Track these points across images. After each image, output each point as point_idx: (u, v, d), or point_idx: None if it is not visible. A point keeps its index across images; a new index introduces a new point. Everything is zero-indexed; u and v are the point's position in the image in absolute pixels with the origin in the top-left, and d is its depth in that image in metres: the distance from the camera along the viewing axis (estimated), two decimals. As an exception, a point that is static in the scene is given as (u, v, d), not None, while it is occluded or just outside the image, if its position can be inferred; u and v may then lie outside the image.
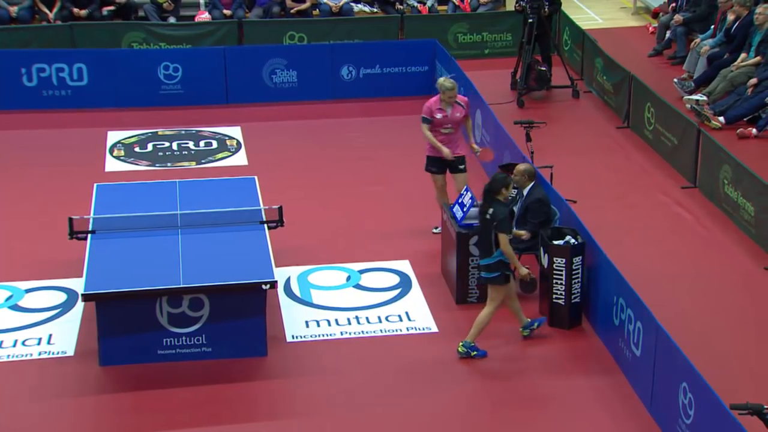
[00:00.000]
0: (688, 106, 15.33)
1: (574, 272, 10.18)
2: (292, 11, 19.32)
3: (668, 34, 18.59)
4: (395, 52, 16.99)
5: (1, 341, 10.12)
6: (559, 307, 10.30)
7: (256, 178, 11.76)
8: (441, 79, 11.94)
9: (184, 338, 9.70)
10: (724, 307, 10.80)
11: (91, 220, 10.57)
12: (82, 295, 9.42)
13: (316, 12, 19.51)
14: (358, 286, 11.20)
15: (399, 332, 10.36)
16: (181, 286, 9.47)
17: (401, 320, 10.55)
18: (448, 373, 9.69)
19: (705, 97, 15.48)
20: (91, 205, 11.01)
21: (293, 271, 11.41)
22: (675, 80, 16.56)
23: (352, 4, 19.71)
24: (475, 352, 9.80)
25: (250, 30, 18.42)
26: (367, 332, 10.34)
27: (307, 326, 10.43)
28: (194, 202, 10.96)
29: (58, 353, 9.94)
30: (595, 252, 10.14)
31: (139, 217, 10.55)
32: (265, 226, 10.63)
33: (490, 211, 9.67)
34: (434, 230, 12.02)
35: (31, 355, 9.93)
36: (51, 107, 16.30)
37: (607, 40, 17.90)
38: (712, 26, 17.19)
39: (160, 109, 16.34)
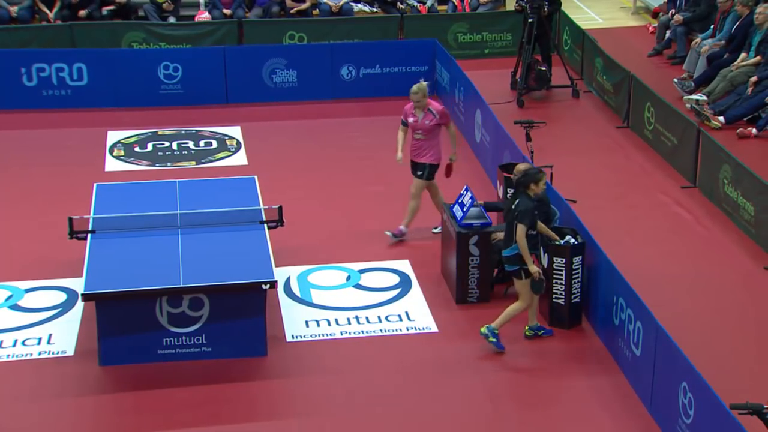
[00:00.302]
0: (688, 105, 15.34)
1: (574, 272, 10.18)
2: (292, 11, 19.33)
3: (668, 33, 18.60)
4: (395, 52, 16.99)
5: (1, 341, 10.12)
6: (559, 307, 10.30)
7: (255, 177, 11.76)
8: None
9: (184, 338, 9.70)
10: (724, 307, 10.80)
11: (90, 220, 10.57)
12: (82, 294, 9.42)
13: (316, 12, 19.52)
14: (358, 286, 11.20)
15: (399, 332, 10.36)
16: (181, 285, 9.47)
17: (401, 320, 10.56)
18: (448, 373, 9.69)
19: (705, 97, 15.49)
20: (91, 204, 11.01)
21: (293, 271, 11.41)
22: (675, 80, 16.57)
23: (352, 3, 19.71)
24: (493, 339, 9.81)
25: (250, 30, 18.42)
26: (367, 332, 10.34)
27: (307, 326, 10.43)
28: (194, 202, 10.96)
29: (57, 353, 9.94)
30: (595, 252, 10.14)
31: (139, 216, 10.55)
32: (265, 225, 10.63)
33: (516, 202, 9.75)
34: (434, 230, 12.02)
35: (31, 354, 9.93)
36: (51, 107, 16.31)
37: (607, 40, 17.91)
38: (712, 26, 17.19)
39: (159, 108, 16.34)
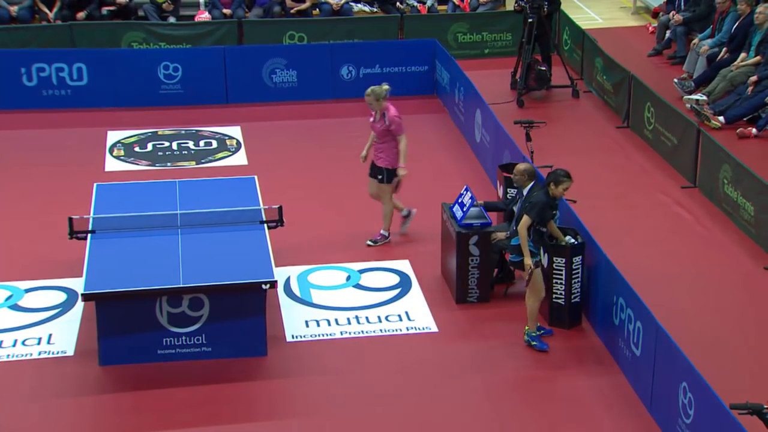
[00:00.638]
0: (688, 105, 15.34)
1: (574, 272, 10.18)
2: (292, 11, 19.33)
3: (668, 33, 18.60)
4: (395, 52, 16.99)
5: (1, 341, 10.11)
6: (559, 307, 10.29)
7: (255, 177, 11.76)
8: None
9: (183, 338, 9.69)
10: (724, 307, 10.80)
11: (90, 220, 10.57)
12: (82, 294, 9.42)
13: (316, 12, 19.52)
14: (358, 286, 11.20)
15: (399, 332, 10.36)
16: (181, 285, 9.47)
17: (401, 320, 10.55)
18: (448, 373, 9.69)
19: (705, 97, 15.49)
20: (91, 204, 11.01)
21: (293, 271, 11.41)
22: (675, 80, 16.57)
23: (352, 3, 19.71)
24: (535, 342, 9.87)
25: (250, 30, 18.42)
26: (367, 332, 10.34)
27: (307, 326, 10.43)
28: (194, 202, 10.95)
29: (57, 353, 9.94)
30: (595, 252, 10.14)
31: (139, 216, 10.55)
32: (265, 225, 10.63)
33: (534, 194, 9.86)
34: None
35: (31, 354, 9.93)
36: (51, 107, 16.30)
37: (607, 40, 17.91)
38: (711, 26, 17.19)
39: (159, 108, 16.34)
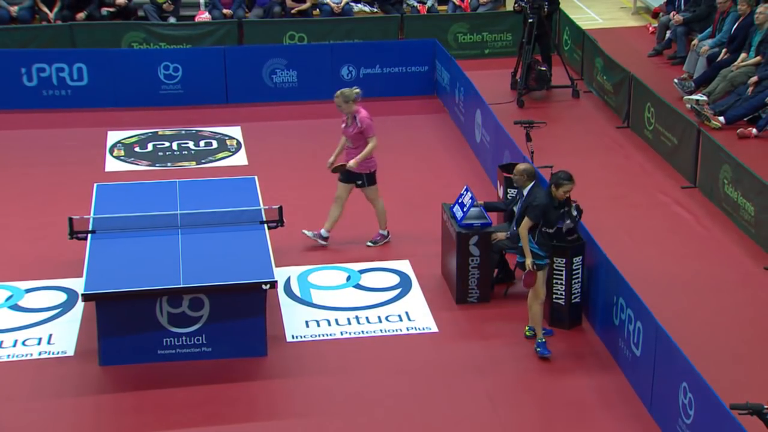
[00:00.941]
0: (688, 106, 15.34)
1: (574, 272, 10.18)
2: (292, 11, 19.33)
3: (668, 34, 18.60)
4: (395, 52, 16.99)
5: (1, 341, 10.11)
6: (559, 307, 10.29)
7: (256, 177, 11.76)
8: None
9: (184, 338, 9.69)
10: (724, 306, 10.79)
11: (91, 220, 10.57)
12: (82, 295, 9.42)
13: (316, 12, 19.52)
14: (358, 286, 11.20)
15: (399, 332, 10.36)
16: (181, 286, 9.47)
17: (401, 320, 10.55)
18: (448, 373, 9.69)
19: (705, 97, 15.49)
20: (91, 204, 11.01)
21: (293, 271, 11.41)
22: (675, 80, 16.56)
23: (352, 3, 19.71)
24: (539, 349, 9.84)
25: (250, 30, 18.42)
26: (367, 332, 10.34)
27: (307, 326, 10.43)
28: (194, 202, 10.96)
29: (58, 353, 9.94)
30: (595, 252, 10.14)
31: (139, 217, 10.55)
32: (265, 225, 10.63)
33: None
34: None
35: (31, 354, 9.92)
36: (51, 107, 16.30)
37: (607, 40, 17.91)
38: (711, 26, 17.19)
39: (160, 109, 16.33)
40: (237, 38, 18.35)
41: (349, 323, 10.49)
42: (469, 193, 10.83)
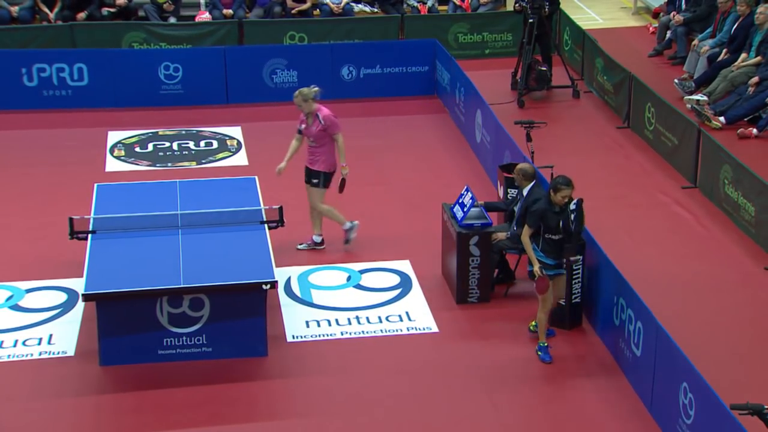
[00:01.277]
0: (689, 106, 15.34)
1: (574, 272, 10.17)
2: (292, 11, 19.33)
3: (668, 34, 18.59)
4: (395, 52, 16.99)
5: (2, 341, 10.12)
6: (560, 307, 10.29)
7: (256, 178, 11.77)
8: None
9: (184, 338, 9.70)
10: (725, 307, 10.80)
11: (91, 220, 10.58)
12: (83, 295, 9.43)
13: (316, 12, 19.52)
14: (359, 286, 11.20)
15: (399, 332, 10.37)
16: (182, 286, 9.47)
17: (402, 320, 10.55)
18: (449, 373, 9.69)
19: (705, 97, 15.49)
20: (92, 205, 11.01)
21: (293, 271, 11.41)
22: (675, 80, 16.56)
23: (353, 3, 19.71)
24: (540, 353, 9.79)
25: (251, 30, 18.42)
26: (367, 332, 10.34)
27: (308, 326, 10.43)
28: (195, 202, 10.96)
29: (58, 353, 9.95)
30: (595, 252, 10.14)
31: (140, 217, 10.56)
32: (266, 226, 10.64)
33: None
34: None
35: (32, 355, 9.93)
36: (51, 107, 16.31)
37: (608, 40, 17.91)
38: (712, 27, 17.19)
39: (160, 109, 16.34)
40: (237, 38, 18.36)
41: (350, 323, 10.49)
42: (469, 193, 10.83)
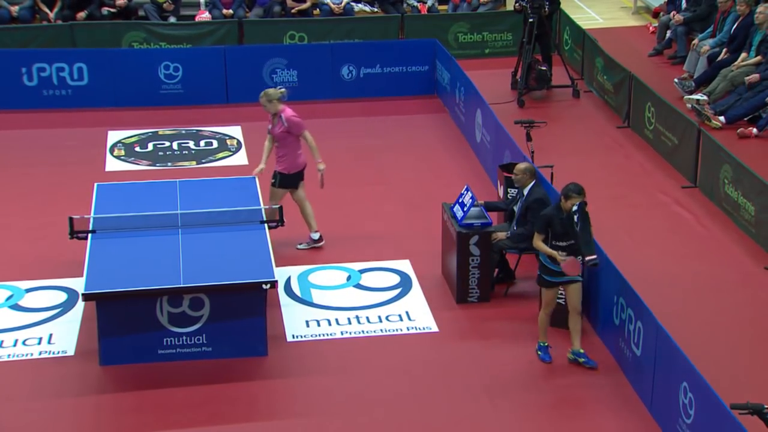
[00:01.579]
0: (689, 105, 15.35)
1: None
2: (292, 11, 19.34)
3: (668, 33, 18.60)
4: (395, 52, 17.00)
5: (2, 341, 10.13)
6: (560, 307, 10.28)
7: (256, 177, 11.77)
8: None
9: (184, 338, 9.70)
10: (725, 306, 10.81)
11: (91, 220, 10.59)
12: (83, 294, 9.44)
13: (316, 12, 19.53)
14: (359, 286, 11.21)
15: (399, 332, 10.37)
16: (182, 285, 9.48)
17: (401, 320, 10.56)
18: (449, 372, 9.70)
19: (705, 97, 15.50)
20: (92, 204, 11.03)
21: (293, 271, 11.42)
22: (675, 80, 16.57)
23: (353, 3, 19.71)
24: (582, 359, 9.67)
25: (251, 29, 18.43)
26: (367, 332, 10.35)
27: (308, 326, 10.44)
28: (195, 202, 10.97)
29: (58, 353, 9.95)
30: (595, 252, 10.11)
31: (140, 216, 10.57)
32: (266, 225, 10.64)
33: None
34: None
35: (32, 354, 9.94)
36: (51, 107, 16.32)
37: (608, 40, 17.91)
38: (712, 26, 17.19)
39: (160, 108, 16.35)
40: (237, 38, 18.37)
41: (350, 323, 10.49)
42: (469, 192, 10.83)
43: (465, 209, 10.72)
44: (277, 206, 10.92)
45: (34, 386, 9.47)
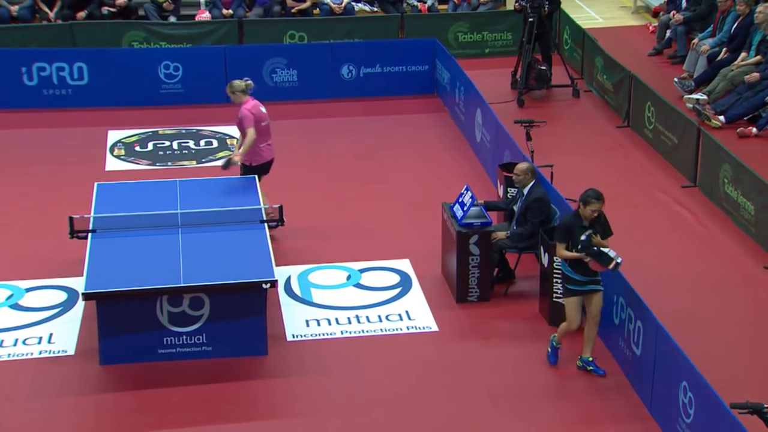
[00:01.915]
0: (690, 105, 15.36)
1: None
2: (292, 10, 19.35)
3: (668, 33, 18.62)
4: (395, 51, 17.02)
5: (2, 340, 10.14)
6: (559, 307, 10.27)
7: (256, 177, 11.78)
8: None
9: (184, 337, 9.72)
10: (724, 306, 10.82)
11: (91, 219, 10.60)
12: (83, 294, 9.46)
13: (316, 11, 19.54)
14: (359, 285, 11.23)
15: (399, 331, 10.39)
16: (182, 285, 9.50)
17: (401, 319, 10.58)
18: (448, 372, 9.72)
19: (705, 97, 15.51)
20: (92, 204, 11.04)
21: (293, 270, 11.44)
22: (675, 80, 16.58)
23: (353, 3, 19.72)
24: (591, 367, 9.56)
25: (251, 29, 18.45)
26: (367, 331, 10.37)
27: (308, 325, 10.46)
28: (194, 201, 10.99)
29: (58, 352, 9.97)
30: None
31: (140, 216, 10.58)
32: (266, 225, 10.65)
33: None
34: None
35: (32, 354, 9.95)
36: (51, 106, 16.33)
37: (607, 39, 17.93)
38: (711, 26, 17.21)
39: (160, 108, 16.37)
40: (237, 37, 18.38)
41: (350, 322, 10.51)
42: (469, 192, 10.85)
43: (465, 209, 10.74)
44: (278, 206, 10.93)
45: (35, 386, 9.49)
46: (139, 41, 18.04)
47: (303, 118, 16.26)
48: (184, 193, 11.27)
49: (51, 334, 10.23)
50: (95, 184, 11.60)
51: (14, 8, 18.77)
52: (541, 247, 10.42)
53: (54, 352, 9.96)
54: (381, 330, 10.40)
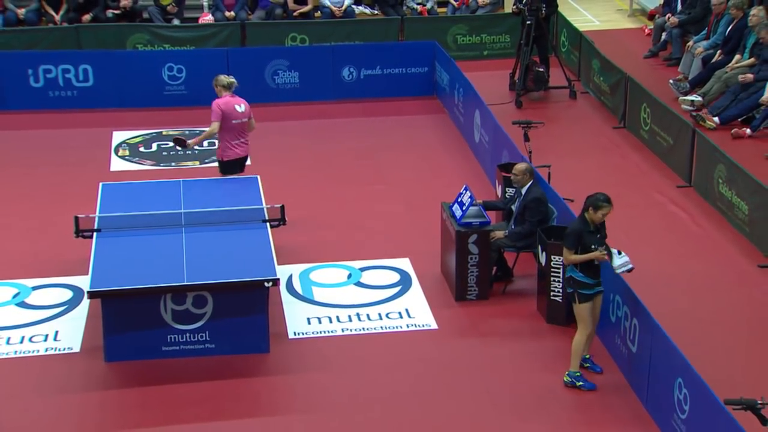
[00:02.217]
0: (685, 107, 15.47)
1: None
2: (294, 13, 19.44)
3: (664, 35, 18.69)
4: (395, 54, 17.08)
5: (8, 337, 10.22)
6: (557, 305, 10.39)
7: (258, 177, 11.86)
8: None
9: (187, 335, 9.79)
10: (719, 304, 10.88)
11: (96, 219, 10.66)
12: (88, 292, 9.50)
13: (317, 14, 19.63)
14: (359, 284, 11.30)
15: (399, 329, 10.47)
16: (185, 283, 9.55)
17: (401, 317, 10.65)
18: (448, 370, 9.79)
19: (700, 98, 15.61)
20: (97, 203, 11.11)
21: (295, 269, 11.51)
22: (670, 81, 16.66)
23: (353, 6, 19.82)
24: (581, 383, 9.38)
25: (253, 32, 18.53)
26: (367, 329, 10.45)
27: (309, 323, 10.53)
28: (198, 201, 11.05)
29: (64, 350, 10.05)
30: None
31: (144, 215, 10.64)
32: (268, 224, 10.72)
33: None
34: None
35: (38, 351, 10.03)
36: (57, 108, 16.40)
37: (604, 42, 17.99)
38: (706, 28, 17.29)
39: (164, 109, 16.42)
40: (240, 40, 18.46)
41: (350, 320, 10.59)
42: (468, 192, 10.91)
43: (464, 208, 10.81)
44: (280, 205, 11.02)
45: (40, 382, 9.56)
46: (144, 44, 18.13)
47: (304, 119, 16.33)
48: (188, 193, 11.34)
49: (57, 332, 10.31)
50: (100, 184, 11.67)
51: (21, 11, 18.88)
52: (539, 246, 10.50)
53: (59, 350, 10.04)
54: (381, 328, 10.48)
